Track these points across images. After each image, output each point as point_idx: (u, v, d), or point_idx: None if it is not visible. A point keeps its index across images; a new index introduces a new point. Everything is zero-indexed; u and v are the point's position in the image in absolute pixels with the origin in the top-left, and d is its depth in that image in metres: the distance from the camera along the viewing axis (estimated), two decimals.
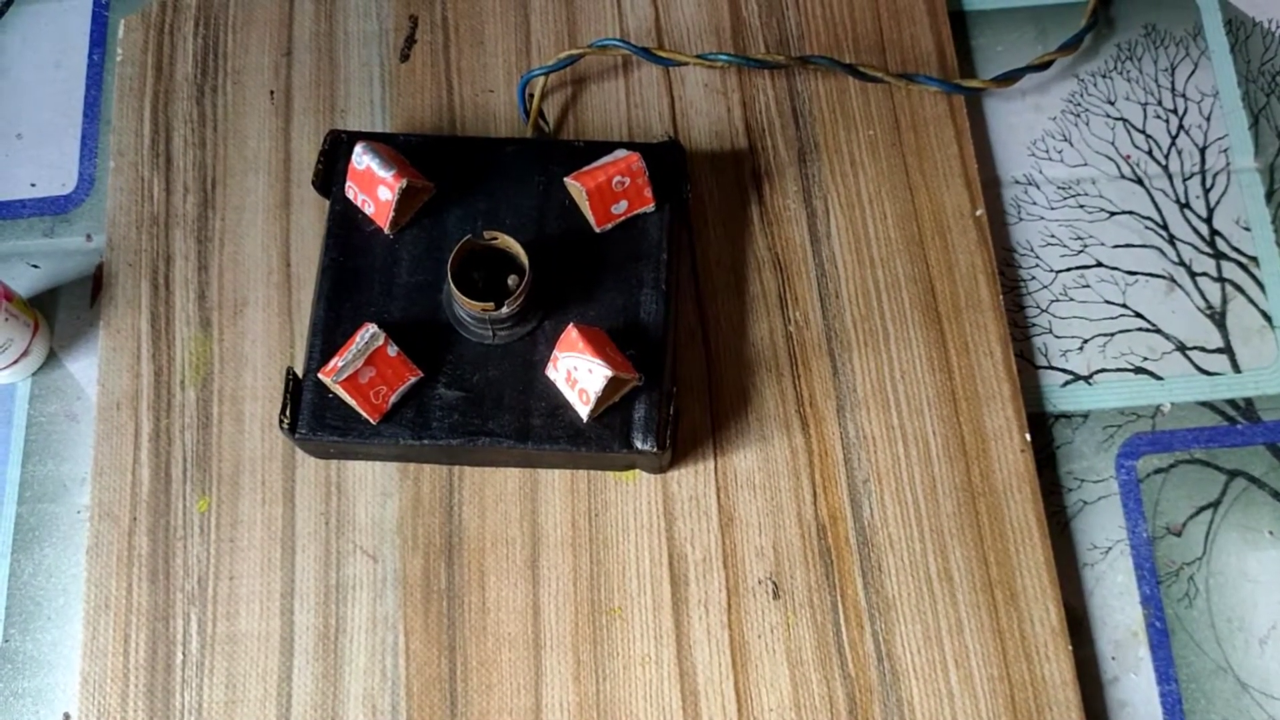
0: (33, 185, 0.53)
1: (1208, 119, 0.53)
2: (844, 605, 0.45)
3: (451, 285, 0.42)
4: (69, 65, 0.55)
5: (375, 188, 0.43)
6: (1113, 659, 0.45)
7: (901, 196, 0.50)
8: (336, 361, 0.41)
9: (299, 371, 0.44)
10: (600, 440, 0.43)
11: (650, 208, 0.45)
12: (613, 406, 0.43)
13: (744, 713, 0.43)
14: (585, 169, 0.45)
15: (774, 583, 0.45)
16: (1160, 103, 0.53)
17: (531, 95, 0.51)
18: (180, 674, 0.44)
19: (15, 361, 0.48)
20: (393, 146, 0.44)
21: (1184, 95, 0.53)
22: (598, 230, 0.45)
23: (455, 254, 0.42)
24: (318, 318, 0.44)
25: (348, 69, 0.54)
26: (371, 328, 0.42)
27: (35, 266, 0.52)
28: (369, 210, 0.44)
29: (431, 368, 0.43)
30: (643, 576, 0.45)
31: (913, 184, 0.51)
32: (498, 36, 0.54)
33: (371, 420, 0.43)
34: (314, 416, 0.43)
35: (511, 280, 0.43)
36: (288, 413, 0.43)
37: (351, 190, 0.44)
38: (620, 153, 0.45)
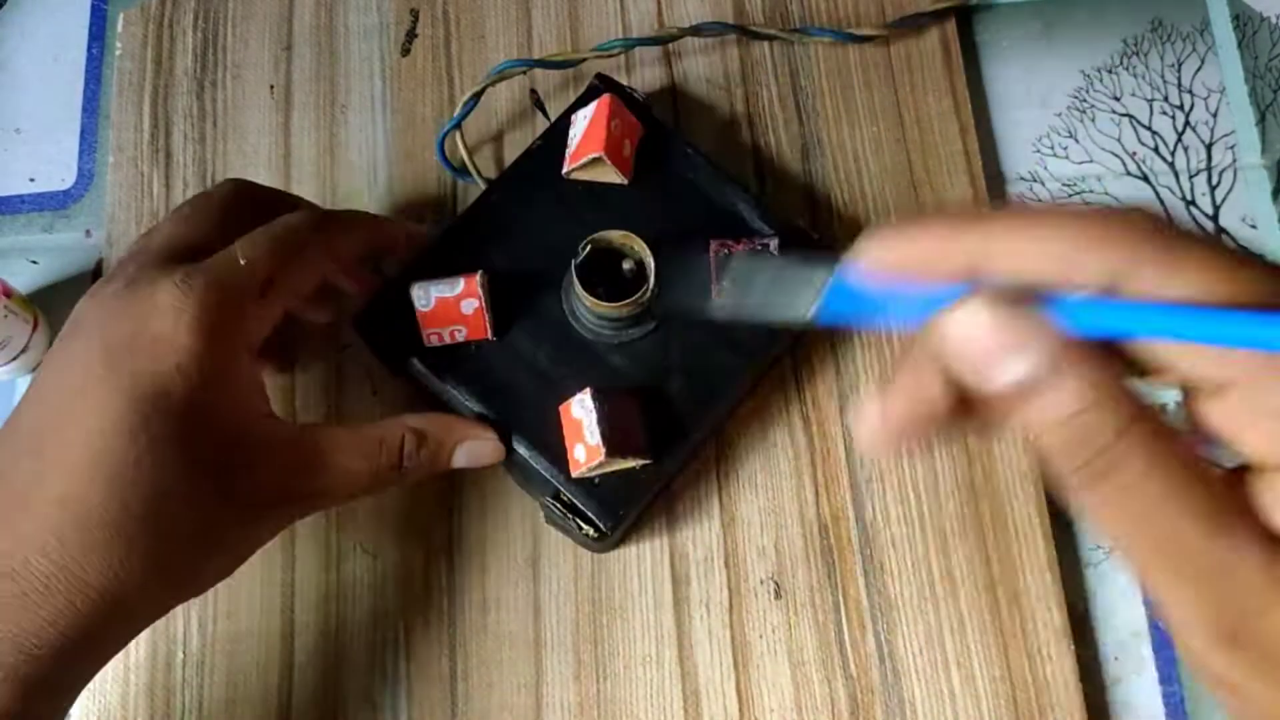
0: (31, 180, 0.53)
1: (1214, 115, 0.52)
2: (846, 605, 0.44)
3: (575, 280, 0.41)
4: (68, 59, 0.55)
5: (459, 304, 0.42)
6: (1115, 659, 0.45)
7: (906, 194, 0.50)
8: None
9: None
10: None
11: (641, 131, 0.45)
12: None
13: (745, 713, 0.43)
14: (578, 142, 0.44)
15: (776, 582, 0.45)
16: (1167, 99, 0.53)
17: (457, 151, 0.49)
18: (181, 673, 0.44)
19: (15, 358, 0.48)
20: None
21: (1190, 91, 0.53)
22: (627, 183, 0.45)
23: (584, 251, 0.42)
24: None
25: (348, 63, 0.53)
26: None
27: (34, 262, 0.52)
28: (460, 336, 0.43)
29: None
30: (644, 576, 0.45)
31: (917, 181, 0.50)
32: (499, 31, 0.53)
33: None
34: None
35: (627, 268, 0.43)
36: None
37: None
38: (587, 110, 0.45)
